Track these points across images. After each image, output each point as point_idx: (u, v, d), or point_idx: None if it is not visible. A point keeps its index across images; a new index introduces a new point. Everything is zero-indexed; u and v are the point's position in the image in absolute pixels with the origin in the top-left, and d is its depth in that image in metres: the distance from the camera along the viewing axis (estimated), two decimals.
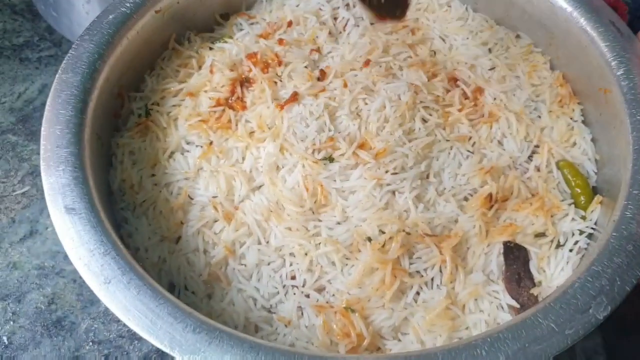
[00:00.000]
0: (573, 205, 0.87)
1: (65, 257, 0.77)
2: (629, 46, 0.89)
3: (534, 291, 0.80)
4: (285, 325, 0.79)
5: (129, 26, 0.93)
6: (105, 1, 1.12)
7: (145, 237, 0.85)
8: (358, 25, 1.05)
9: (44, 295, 1.02)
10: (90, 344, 0.97)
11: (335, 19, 1.06)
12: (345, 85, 0.95)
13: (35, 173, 1.15)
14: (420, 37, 1.04)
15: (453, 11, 1.10)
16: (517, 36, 1.07)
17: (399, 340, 0.78)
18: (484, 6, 1.10)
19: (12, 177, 1.15)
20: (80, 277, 0.71)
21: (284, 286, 0.81)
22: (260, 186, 0.88)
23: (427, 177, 0.88)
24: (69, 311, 1.00)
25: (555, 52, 1.01)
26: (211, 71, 0.97)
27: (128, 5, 0.93)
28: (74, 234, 0.72)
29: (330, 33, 1.04)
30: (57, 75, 0.86)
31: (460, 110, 0.94)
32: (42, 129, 0.81)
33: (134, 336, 0.97)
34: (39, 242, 1.07)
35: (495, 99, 0.96)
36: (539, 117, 0.96)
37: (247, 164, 0.88)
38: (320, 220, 0.84)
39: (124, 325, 0.68)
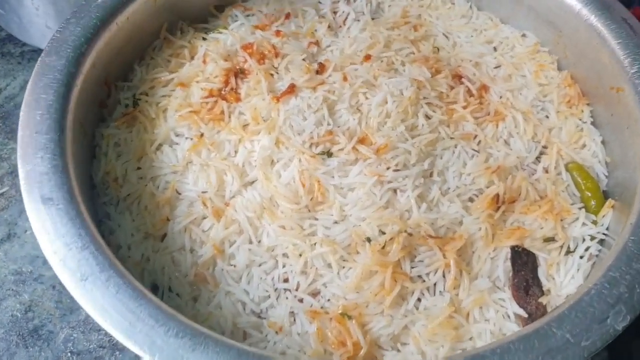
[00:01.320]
0: (584, 209, 0.82)
1: (45, 262, 0.72)
2: None
3: (543, 300, 0.75)
4: (276, 332, 0.73)
5: (119, 11, 0.88)
6: None
7: (128, 233, 0.79)
8: (359, 20, 1.01)
9: (21, 303, 0.95)
10: (69, 354, 0.90)
11: (335, 12, 1.02)
12: (345, 79, 0.90)
13: (14, 173, 1.09)
14: (422, 34, 1.00)
15: (457, 8, 1.07)
16: (523, 35, 1.03)
17: (398, 350, 0.73)
18: (488, 4, 1.07)
19: None
20: (60, 284, 0.65)
21: (275, 289, 0.76)
22: (253, 181, 0.83)
23: (431, 175, 0.84)
24: (46, 320, 0.94)
25: (563, 51, 0.98)
26: (204, 61, 0.93)
27: None
28: (49, 226, 0.67)
29: (329, 27, 1.00)
30: (39, 58, 0.80)
31: (465, 108, 0.90)
32: (21, 113, 0.75)
33: (115, 346, 0.90)
34: (17, 246, 1.01)
35: (501, 97, 0.92)
36: (547, 117, 0.92)
37: (239, 158, 0.83)
38: (316, 219, 0.79)
39: (105, 334, 0.63)
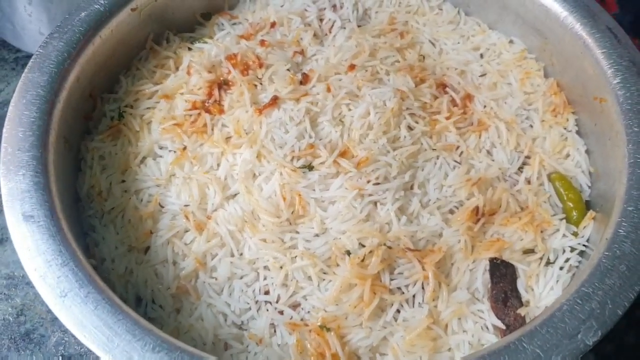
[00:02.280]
0: (564, 221, 0.82)
1: None
2: (626, 53, 0.84)
3: (521, 311, 0.76)
4: (257, 344, 0.74)
5: (102, 24, 0.89)
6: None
7: (112, 246, 0.80)
8: (344, 28, 1.01)
9: (13, 307, 0.97)
10: (60, 358, 0.92)
11: (321, 20, 1.02)
12: (329, 90, 0.91)
13: None
14: (409, 41, 1.00)
15: (444, 14, 1.06)
16: (511, 41, 1.03)
17: None
18: (476, 10, 1.06)
19: None
20: None
21: (256, 302, 0.77)
22: (235, 195, 0.83)
23: (411, 187, 0.84)
24: (38, 323, 0.95)
25: (550, 58, 0.97)
26: (188, 72, 0.93)
27: (102, 2, 0.89)
28: (30, 243, 0.68)
29: (315, 35, 1.00)
30: (22, 75, 0.81)
31: (448, 118, 0.90)
32: (4, 130, 0.76)
33: None
34: (9, 250, 1.02)
35: (485, 106, 0.92)
36: (531, 126, 0.92)
37: (221, 171, 0.84)
38: (297, 232, 0.80)
39: None
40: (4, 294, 0.98)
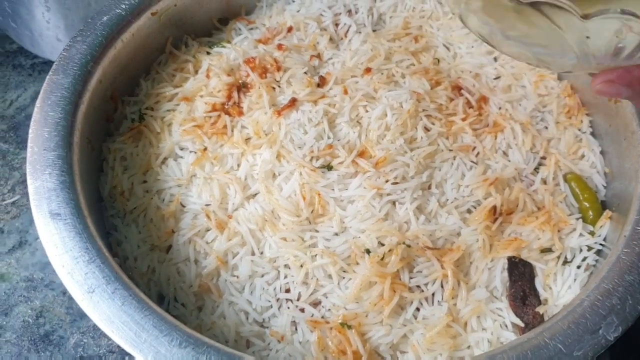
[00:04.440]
0: (581, 220, 0.83)
1: None
2: None
3: (540, 309, 0.77)
4: (279, 341, 0.75)
5: (123, 28, 0.91)
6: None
7: (135, 245, 0.81)
8: (360, 32, 1.02)
9: (32, 309, 0.98)
10: (79, 359, 0.93)
11: (337, 25, 1.04)
12: (346, 92, 0.92)
13: (26, 182, 1.12)
14: (423, 45, 1.01)
15: (458, 19, 1.07)
16: None
17: (397, 358, 0.74)
18: None
19: (2, 185, 1.12)
20: None
21: (277, 299, 0.77)
22: (256, 194, 0.85)
23: (429, 187, 0.85)
24: (57, 325, 0.96)
25: None
26: (207, 76, 0.95)
27: (123, 6, 0.91)
28: (58, 240, 0.69)
29: (331, 39, 1.01)
30: (47, 77, 0.83)
31: (464, 120, 0.91)
32: (30, 131, 0.78)
33: (124, 351, 0.91)
34: (28, 253, 1.04)
35: (500, 108, 0.93)
36: (546, 127, 0.93)
37: (242, 171, 0.85)
38: (317, 231, 0.81)
39: None
40: (24, 296, 0.99)
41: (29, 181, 0.74)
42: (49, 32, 1.17)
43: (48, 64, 1.28)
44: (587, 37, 0.55)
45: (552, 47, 0.58)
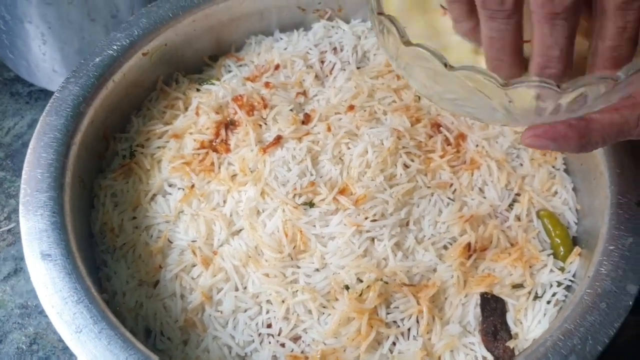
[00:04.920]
0: (552, 256, 0.86)
1: None
2: None
3: (510, 344, 0.80)
4: None
5: (115, 69, 0.94)
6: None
7: (124, 280, 0.85)
8: (344, 69, 1.06)
9: (26, 335, 1.01)
10: None
11: (323, 62, 1.07)
12: (329, 129, 0.96)
13: None
14: (405, 82, 1.04)
15: None
16: None
17: None
18: None
19: None
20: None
21: (259, 334, 0.81)
22: (240, 230, 0.88)
23: (407, 224, 0.88)
24: (50, 352, 1.00)
25: None
26: (197, 113, 0.98)
27: (115, 47, 0.95)
28: (48, 280, 0.73)
29: (316, 76, 1.05)
30: (40, 118, 0.87)
31: (442, 157, 0.94)
32: (23, 172, 0.81)
33: None
34: (23, 281, 1.07)
35: (477, 145, 0.97)
36: (521, 165, 0.96)
37: (227, 208, 0.89)
38: (298, 267, 0.84)
39: None
40: (18, 323, 1.03)
41: (21, 222, 0.77)
42: (45, 63, 1.21)
43: (45, 92, 1.32)
44: (510, 102, 0.60)
45: (482, 109, 0.63)
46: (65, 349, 0.99)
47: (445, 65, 0.58)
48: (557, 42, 0.56)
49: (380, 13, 0.65)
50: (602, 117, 0.61)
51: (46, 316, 1.05)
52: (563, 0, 0.54)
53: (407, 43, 0.61)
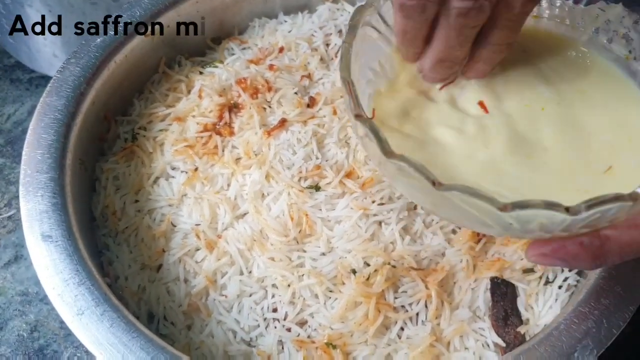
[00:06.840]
0: None
1: None
2: None
3: (521, 329, 0.78)
4: None
5: (117, 49, 0.92)
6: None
7: (126, 264, 0.83)
8: None
9: (27, 323, 1.00)
10: None
11: (328, 45, 1.05)
12: (335, 113, 0.94)
13: None
14: None
15: None
16: None
17: None
18: None
19: None
20: None
21: (265, 319, 0.79)
22: (245, 214, 0.86)
23: (415, 208, 0.86)
24: (51, 339, 0.98)
25: None
26: (200, 96, 0.96)
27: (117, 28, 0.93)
28: (49, 262, 0.71)
29: (321, 59, 1.03)
30: (41, 99, 0.85)
31: None
32: (23, 153, 0.80)
33: None
34: (23, 268, 1.05)
35: None
36: None
37: (232, 191, 0.87)
38: (304, 251, 0.83)
39: None
40: (19, 310, 1.01)
41: (21, 203, 0.75)
42: (46, 48, 1.19)
43: (45, 78, 1.30)
44: (510, 224, 0.52)
45: (479, 226, 0.57)
46: (67, 336, 0.98)
47: (434, 183, 0.49)
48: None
49: (359, 115, 0.54)
50: (619, 235, 0.53)
51: (47, 303, 1.05)
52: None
53: (389, 154, 0.51)
